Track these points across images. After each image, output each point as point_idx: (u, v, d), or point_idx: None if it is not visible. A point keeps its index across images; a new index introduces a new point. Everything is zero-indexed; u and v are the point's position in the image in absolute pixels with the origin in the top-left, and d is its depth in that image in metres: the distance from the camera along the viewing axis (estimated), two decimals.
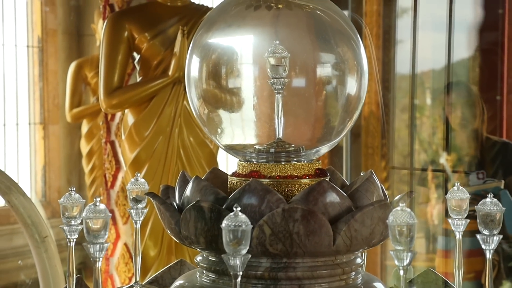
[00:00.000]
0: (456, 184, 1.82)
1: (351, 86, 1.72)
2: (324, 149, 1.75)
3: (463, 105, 4.48)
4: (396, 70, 4.96)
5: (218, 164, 3.31)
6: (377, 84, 4.73)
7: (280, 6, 1.70)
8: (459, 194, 1.80)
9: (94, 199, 1.53)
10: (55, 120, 5.96)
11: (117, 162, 3.84)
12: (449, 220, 1.79)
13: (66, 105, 5.42)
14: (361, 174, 1.92)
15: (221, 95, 1.74)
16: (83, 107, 5.38)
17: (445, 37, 4.58)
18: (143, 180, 1.91)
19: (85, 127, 5.48)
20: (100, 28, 5.15)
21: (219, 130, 1.77)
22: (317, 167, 1.71)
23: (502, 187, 4.22)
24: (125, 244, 3.77)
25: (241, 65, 1.74)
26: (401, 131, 5.09)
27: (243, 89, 1.74)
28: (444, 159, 4.91)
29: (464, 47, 4.74)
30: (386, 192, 1.76)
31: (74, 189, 1.71)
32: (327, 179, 1.69)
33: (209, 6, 3.35)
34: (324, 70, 1.70)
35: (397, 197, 1.74)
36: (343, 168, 4.98)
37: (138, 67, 3.26)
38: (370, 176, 1.68)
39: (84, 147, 5.49)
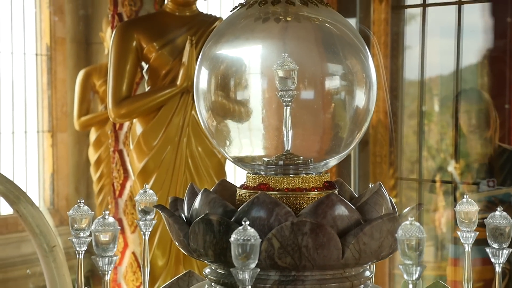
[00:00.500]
0: (465, 196, 1.82)
1: (360, 99, 1.71)
2: (333, 161, 1.74)
3: (477, 113, 4.47)
4: (404, 76, 4.96)
5: (226, 174, 3.31)
6: (385, 92, 4.73)
7: (288, 18, 1.70)
8: (468, 207, 1.80)
9: (103, 212, 1.53)
10: (64, 128, 5.98)
11: (125, 171, 3.84)
12: (458, 233, 1.79)
13: (74, 113, 5.43)
14: (370, 185, 1.92)
15: (229, 107, 1.74)
16: (91, 115, 5.40)
17: (453, 44, 4.57)
18: (151, 191, 1.91)
19: (93, 135, 5.49)
20: (108, 36, 5.16)
21: (227, 142, 1.77)
22: (325, 180, 1.71)
23: None
24: (133, 253, 3.77)
25: (250, 77, 1.74)
26: (409, 137, 5.08)
27: (252, 101, 1.74)
28: (452, 167, 4.90)
29: (472, 54, 4.74)
30: (395, 202, 1.76)
31: (83, 201, 1.71)
32: (336, 192, 1.69)
33: (218, 16, 3.35)
34: (333, 83, 1.70)
35: (406, 210, 1.74)
36: (351, 176, 4.98)
37: (146, 77, 3.27)
38: (378, 189, 1.68)
39: (92, 155, 5.50)
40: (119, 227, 1.53)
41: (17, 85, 5.84)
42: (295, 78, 1.65)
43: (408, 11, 4.99)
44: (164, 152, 3.16)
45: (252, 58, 1.75)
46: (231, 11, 1.76)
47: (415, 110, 4.98)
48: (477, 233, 1.79)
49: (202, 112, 1.77)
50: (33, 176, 5.97)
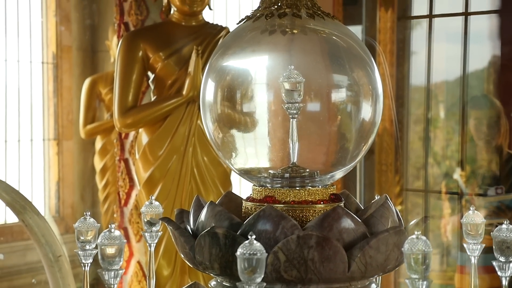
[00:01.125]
0: (471, 208, 1.81)
1: (366, 111, 1.71)
2: (339, 174, 1.74)
3: (488, 120, 4.46)
4: (410, 82, 4.95)
5: (232, 184, 3.31)
6: (391, 100, 4.72)
7: (295, 31, 1.70)
8: (474, 218, 1.79)
9: (109, 225, 1.53)
10: (69, 136, 5.99)
11: (131, 180, 3.85)
12: (465, 245, 1.78)
13: (80, 122, 5.44)
14: (376, 196, 1.92)
15: (235, 119, 1.74)
16: (97, 124, 5.40)
17: (460, 49, 4.57)
18: (157, 203, 1.90)
19: (99, 143, 5.50)
20: (114, 44, 5.18)
21: (233, 154, 1.77)
22: (331, 192, 1.70)
23: None
24: (139, 262, 3.77)
25: (256, 89, 1.74)
26: (415, 143, 5.07)
27: (258, 113, 1.74)
28: (458, 174, 4.89)
29: (479, 60, 4.73)
30: (400, 210, 1.76)
31: (89, 213, 1.71)
32: (342, 204, 1.68)
33: (224, 25, 3.35)
34: (339, 95, 1.70)
35: (412, 222, 1.74)
36: (357, 185, 4.97)
37: (152, 86, 3.27)
38: (385, 202, 1.68)
39: (98, 163, 5.51)
40: (125, 241, 1.53)
41: (23, 93, 5.86)
42: (301, 91, 1.65)
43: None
44: (170, 161, 3.16)
45: (258, 70, 1.75)
46: (237, 23, 1.76)
47: (421, 116, 4.97)
48: (483, 245, 1.79)
49: (208, 124, 1.77)
50: (38, 184, 5.98)
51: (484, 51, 4.75)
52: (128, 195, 3.84)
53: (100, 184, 5.52)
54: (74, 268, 3.05)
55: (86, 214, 1.71)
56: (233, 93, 1.72)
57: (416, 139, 5.06)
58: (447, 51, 4.89)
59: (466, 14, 4.40)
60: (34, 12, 5.87)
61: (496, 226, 1.67)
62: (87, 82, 5.50)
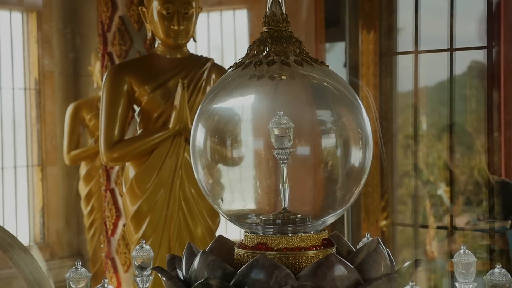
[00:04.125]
0: (463, 247, 1.82)
1: (356, 155, 1.72)
2: (331, 219, 1.74)
3: (463, 149, 4.51)
4: (394, 102, 4.97)
5: (219, 216, 3.30)
6: (376, 121, 4.74)
7: (283, 77, 1.70)
8: (465, 258, 1.80)
9: (102, 281, 1.52)
10: (53, 161, 5.95)
11: (117, 210, 3.83)
12: (457, 284, 1.79)
13: (64, 148, 5.40)
14: (366, 235, 1.93)
15: (225, 164, 1.74)
16: (81, 150, 5.37)
17: (446, 74, 4.60)
18: (148, 247, 1.90)
19: (83, 169, 5.46)
20: (97, 70, 5.16)
21: (223, 200, 1.76)
22: (323, 237, 1.70)
23: (509, 227, 4.23)
24: None
25: (246, 135, 1.74)
26: (398, 151, 5.09)
27: (247, 158, 1.74)
28: (442, 190, 4.92)
29: (464, 85, 4.77)
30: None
31: (80, 263, 1.70)
32: (334, 250, 1.69)
33: (208, 57, 3.35)
34: (329, 140, 1.71)
35: (405, 265, 1.74)
36: None
37: (138, 119, 3.26)
38: (377, 247, 1.68)
39: (83, 189, 5.47)
40: None
41: (6, 120, 5.82)
42: (291, 136, 1.65)
43: (400, 41, 5.01)
44: (157, 194, 3.15)
45: (247, 116, 1.75)
46: (228, 69, 1.77)
47: (407, 132, 4.99)
48: (475, 284, 1.80)
49: (198, 170, 1.76)
50: (23, 210, 5.93)
51: (468, 77, 4.79)
52: (115, 225, 3.82)
53: (85, 210, 5.48)
54: None
55: (77, 264, 1.70)
56: (223, 138, 1.72)
57: (398, 146, 5.08)
58: (434, 77, 4.92)
59: (452, 50, 4.44)
60: (16, 37, 5.85)
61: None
62: (70, 108, 5.47)
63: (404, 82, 4.96)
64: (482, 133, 4.65)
